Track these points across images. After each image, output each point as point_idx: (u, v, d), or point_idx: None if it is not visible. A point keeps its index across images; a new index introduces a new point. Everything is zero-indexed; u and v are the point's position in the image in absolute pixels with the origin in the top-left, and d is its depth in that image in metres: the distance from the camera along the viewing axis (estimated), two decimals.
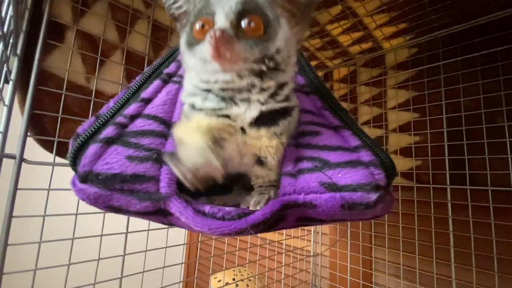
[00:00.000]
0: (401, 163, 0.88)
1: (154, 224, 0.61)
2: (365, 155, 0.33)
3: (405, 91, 0.89)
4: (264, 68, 0.29)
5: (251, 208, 0.33)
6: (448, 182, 0.75)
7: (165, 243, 0.68)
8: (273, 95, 0.31)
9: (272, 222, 0.32)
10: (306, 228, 1.05)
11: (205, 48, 0.27)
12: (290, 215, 0.34)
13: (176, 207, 0.30)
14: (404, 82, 0.90)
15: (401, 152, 0.89)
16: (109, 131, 0.32)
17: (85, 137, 0.32)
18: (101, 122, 0.34)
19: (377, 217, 0.35)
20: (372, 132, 0.96)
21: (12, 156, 0.41)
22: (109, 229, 0.52)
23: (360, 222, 0.93)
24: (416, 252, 0.78)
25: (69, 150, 0.32)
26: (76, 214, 0.48)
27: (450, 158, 0.76)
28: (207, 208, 0.32)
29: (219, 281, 0.82)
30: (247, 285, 0.82)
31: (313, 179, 0.32)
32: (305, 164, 0.34)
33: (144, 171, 0.31)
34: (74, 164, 0.31)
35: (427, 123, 0.82)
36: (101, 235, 0.50)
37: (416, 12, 0.73)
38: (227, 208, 0.32)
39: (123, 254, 0.53)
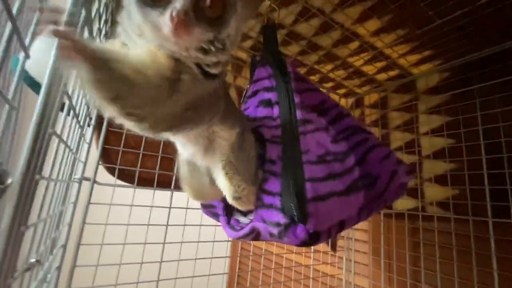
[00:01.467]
0: (437, 192, 0.83)
1: (203, 236, 0.73)
2: (277, 201, 0.41)
3: (438, 116, 0.86)
4: (212, 48, 0.29)
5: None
6: (489, 215, 0.69)
7: (210, 253, 0.78)
8: (207, 65, 0.31)
9: (255, 236, 0.46)
10: (337, 255, 1.03)
11: (163, 21, 0.25)
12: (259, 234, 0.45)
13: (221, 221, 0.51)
14: (437, 107, 0.87)
15: (436, 180, 0.84)
16: None
17: None
18: None
19: (298, 245, 0.41)
20: (405, 158, 0.94)
21: (88, 179, 0.57)
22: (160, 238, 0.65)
23: (394, 254, 0.89)
24: None
25: None
26: (128, 225, 0.61)
27: (490, 188, 0.70)
28: (233, 222, 0.49)
29: None
30: None
31: (258, 214, 0.44)
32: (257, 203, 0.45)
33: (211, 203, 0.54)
34: None
35: (463, 149, 0.78)
36: (144, 243, 0.63)
37: (438, 41, 0.73)
38: (241, 223, 0.48)
39: (178, 260, 0.64)
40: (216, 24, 0.28)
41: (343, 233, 1.06)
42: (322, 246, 1.03)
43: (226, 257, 0.83)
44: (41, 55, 0.25)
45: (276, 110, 0.47)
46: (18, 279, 0.23)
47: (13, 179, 0.21)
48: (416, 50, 0.79)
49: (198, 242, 0.70)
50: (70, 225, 0.52)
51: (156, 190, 0.65)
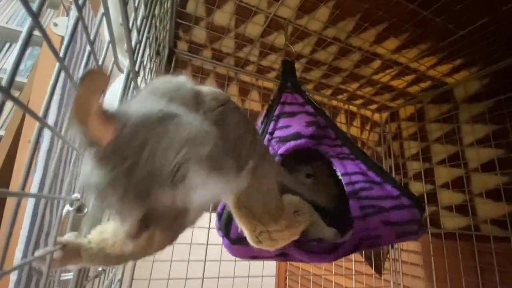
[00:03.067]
0: (491, 209, 0.75)
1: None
2: (405, 200, 0.48)
3: (482, 125, 0.80)
4: None
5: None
6: None
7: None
8: None
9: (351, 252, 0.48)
10: (383, 278, 0.97)
11: None
12: (361, 245, 0.48)
13: (294, 251, 0.46)
14: (480, 115, 0.81)
15: (489, 195, 0.76)
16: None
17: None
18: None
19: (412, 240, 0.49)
20: (450, 172, 0.87)
21: None
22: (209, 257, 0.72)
23: (448, 280, 0.81)
24: None
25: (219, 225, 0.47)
26: (171, 261, 0.69)
27: None
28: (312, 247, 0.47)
29: None
30: None
31: (377, 219, 0.47)
32: (368, 210, 0.48)
33: None
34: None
35: None
36: (186, 274, 0.70)
37: (468, 49, 0.70)
38: (324, 245, 0.47)
39: (218, 276, 0.71)
40: None
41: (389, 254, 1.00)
42: (365, 268, 0.99)
43: (267, 276, 0.86)
44: None
45: (331, 132, 0.56)
46: (90, 283, 0.32)
47: (88, 209, 0.30)
48: (445, 61, 0.76)
49: (235, 261, 0.75)
50: None
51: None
